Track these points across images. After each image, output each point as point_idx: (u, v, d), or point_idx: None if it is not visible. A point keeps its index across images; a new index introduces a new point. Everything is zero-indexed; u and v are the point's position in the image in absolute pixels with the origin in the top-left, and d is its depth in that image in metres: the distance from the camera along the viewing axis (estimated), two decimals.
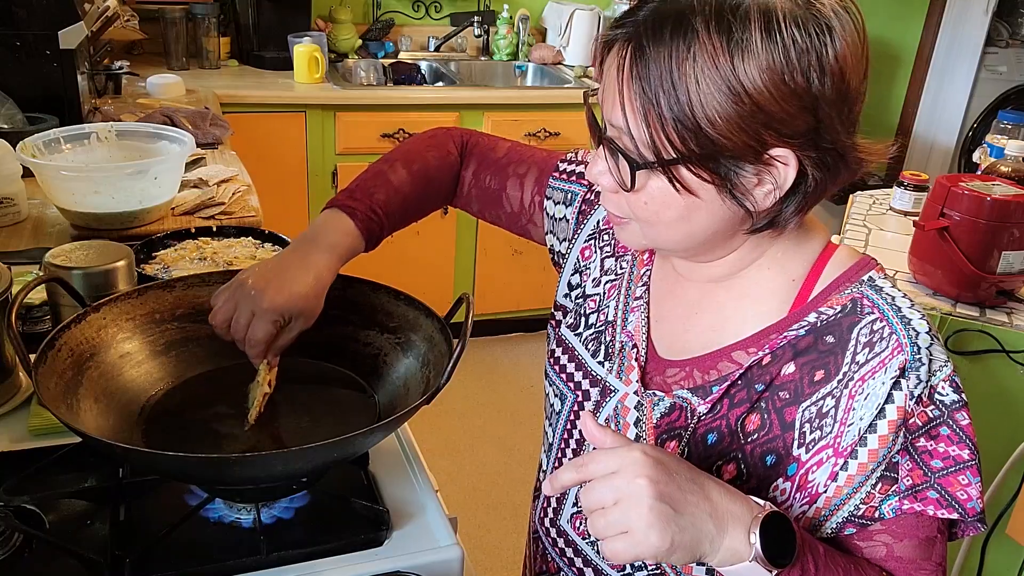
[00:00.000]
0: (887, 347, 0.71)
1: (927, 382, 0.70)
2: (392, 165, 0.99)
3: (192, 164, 1.80)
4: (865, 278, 0.76)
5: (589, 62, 3.31)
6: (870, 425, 0.70)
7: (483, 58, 3.44)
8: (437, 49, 3.39)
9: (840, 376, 0.72)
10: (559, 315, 0.96)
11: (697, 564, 0.68)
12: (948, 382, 0.71)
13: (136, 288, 1.00)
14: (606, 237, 0.93)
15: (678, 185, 0.70)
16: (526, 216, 1.01)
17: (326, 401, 0.99)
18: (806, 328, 0.74)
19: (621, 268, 0.90)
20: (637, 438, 0.82)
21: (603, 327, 0.89)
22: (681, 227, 0.74)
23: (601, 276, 0.92)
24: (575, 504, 0.91)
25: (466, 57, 3.43)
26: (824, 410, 0.72)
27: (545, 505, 0.95)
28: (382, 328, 1.02)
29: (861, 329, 0.72)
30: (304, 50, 2.82)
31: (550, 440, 0.95)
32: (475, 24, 3.36)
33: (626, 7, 3.02)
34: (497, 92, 3.09)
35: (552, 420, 0.95)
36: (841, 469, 0.71)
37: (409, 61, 3.27)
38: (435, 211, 1.06)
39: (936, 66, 4.08)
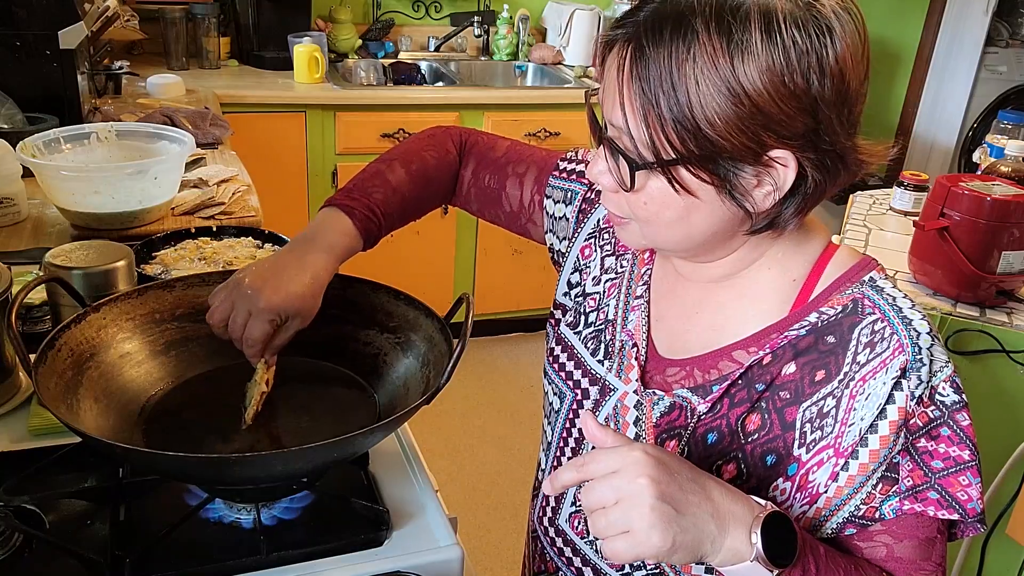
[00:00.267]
0: (888, 347, 0.71)
1: (928, 383, 0.70)
2: (390, 164, 0.99)
3: (192, 164, 1.80)
4: (866, 278, 0.76)
5: (589, 62, 3.31)
6: (871, 425, 0.70)
7: (483, 58, 3.44)
8: (437, 49, 3.39)
9: (841, 376, 0.72)
10: (558, 314, 0.96)
11: (697, 564, 0.68)
12: (949, 383, 0.71)
13: (136, 288, 1.00)
14: (606, 236, 0.93)
15: (677, 186, 0.70)
16: (526, 215, 1.01)
17: (326, 401, 0.99)
18: (807, 328, 0.74)
19: (621, 267, 0.90)
20: (637, 437, 0.82)
21: (603, 326, 0.89)
22: (680, 227, 0.74)
23: (601, 275, 0.92)
24: (574, 503, 0.91)
25: (466, 57, 3.43)
26: (825, 410, 0.73)
27: (544, 504, 0.95)
28: (382, 328, 1.02)
29: (862, 329, 0.72)
30: (304, 50, 2.82)
31: (549, 439, 0.95)
32: (475, 24, 3.36)
33: (626, 7, 3.02)
34: (497, 92, 3.09)
35: (551, 419, 0.95)
36: (842, 469, 0.71)
37: (409, 61, 3.27)
38: (434, 210, 1.06)
39: (936, 66, 4.08)
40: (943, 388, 0.71)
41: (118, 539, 0.83)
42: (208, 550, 0.83)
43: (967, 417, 0.71)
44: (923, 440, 0.71)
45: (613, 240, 0.92)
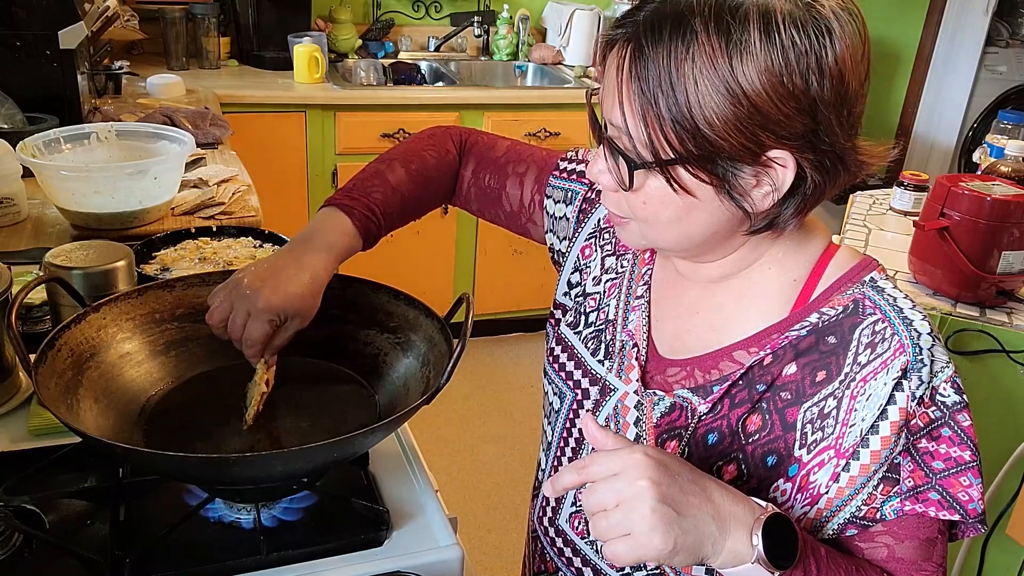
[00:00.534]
0: (889, 348, 0.70)
1: (929, 383, 0.70)
2: (390, 164, 0.99)
3: (192, 164, 1.80)
4: (867, 279, 0.75)
5: (589, 62, 3.31)
6: (872, 426, 0.70)
7: (483, 58, 3.44)
8: (437, 49, 3.39)
9: (842, 377, 0.72)
10: (559, 313, 0.96)
11: (698, 565, 0.68)
12: (950, 383, 0.71)
13: (136, 288, 1.00)
14: (607, 236, 0.93)
15: (676, 185, 0.70)
16: (526, 215, 1.01)
17: (326, 401, 0.99)
18: (808, 328, 0.74)
19: (622, 267, 0.90)
20: (637, 438, 0.82)
21: (603, 326, 0.89)
22: (679, 227, 0.74)
23: (602, 275, 0.92)
24: (574, 504, 0.90)
25: (466, 57, 3.43)
26: (826, 411, 0.72)
27: (544, 505, 0.95)
28: (382, 328, 1.02)
29: (863, 330, 0.72)
30: (304, 50, 2.82)
31: (549, 439, 0.95)
32: (475, 24, 3.36)
33: (626, 7, 3.02)
34: (497, 92, 3.09)
35: (551, 419, 0.95)
36: (843, 470, 0.71)
37: (409, 61, 3.27)
38: (434, 210, 1.06)
39: (936, 66, 4.08)
40: (944, 389, 0.71)
41: (118, 539, 0.83)
42: (208, 550, 0.83)
43: (968, 418, 0.71)
44: (924, 441, 0.71)
45: (613, 240, 0.92)
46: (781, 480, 0.74)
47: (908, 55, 4.14)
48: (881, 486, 0.71)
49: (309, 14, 3.11)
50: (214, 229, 1.43)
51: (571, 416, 0.91)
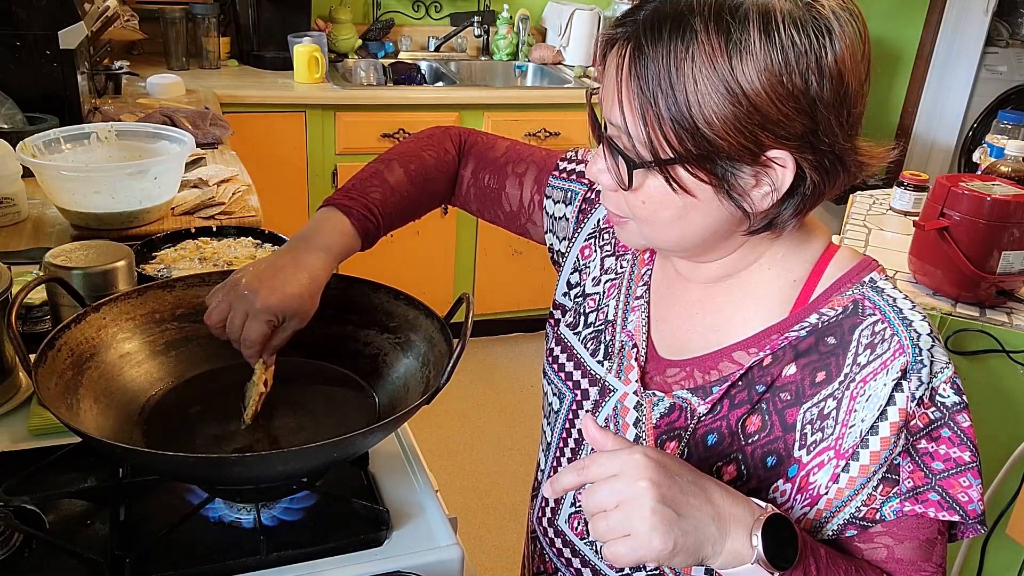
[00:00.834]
0: (888, 349, 0.70)
1: (928, 384, 0.70)
2: (389, 164, 0.99)
3: (192, 164, 1.80)
4: (866, 279, 0.75)
5: (589, 62, 3.31)
6: (872, 427, 0.70)
7: (483, 58, 3.44)
8: (437, 49, 3.39)
9: (841, 377, 0.72)
10: (558, 314, 0.96)
11: (698, 566, 0.68)
12: (949, 384, 0.71)
13: (136, 288, 1.00)
14: (607, 236, 0.93)
15: (675, 185, 0.70)
16: (525, 215, 1.01)
17: (326, 401, 0.99)
18: (807, 329, 0.74)
19: (621, 267, 0.90)
20: (636, 438, 0.82)
21: (603, 326, 0.89)
22: (678, 227, 0.74)
23: (601, 275, 0.92)
24: (573, 504, 0.90)
25: (466, 57, 3.43)
26: (825, 411, 0.72)
27: (543, 505, 0.95)
28: (382, 328, 1.02)
29: (863, 330, 0.72)
30: (304, 50, 2.82)
31: (548, 439, 0.95)
32: (475, 24, 3.36)
33: (626, 7, 3.02)
34: (497, 92, 3.09)
35: (551, 419, 0.95)
36: (842, 471, 0.71)
37: (409, 61, 3.26)
38: (433, 210, 1.06)
39: (936, 66, 4.08)
40: (944, 389, 0.71)
41: (118, 539, 0.83)
42: (208, 550, 0.83)
43: (968, 418, 0.71)
44: (924, 441, 0.71)
45: (613, 240, 0.92)
46: (781, 481, 0.74)
47: (908, 55, 4.14)
48: (881, 487, 0.71)
49: (309, 14, 3.11)
50: (214, 229, 1.43)
51: (570, 417, 0.91)
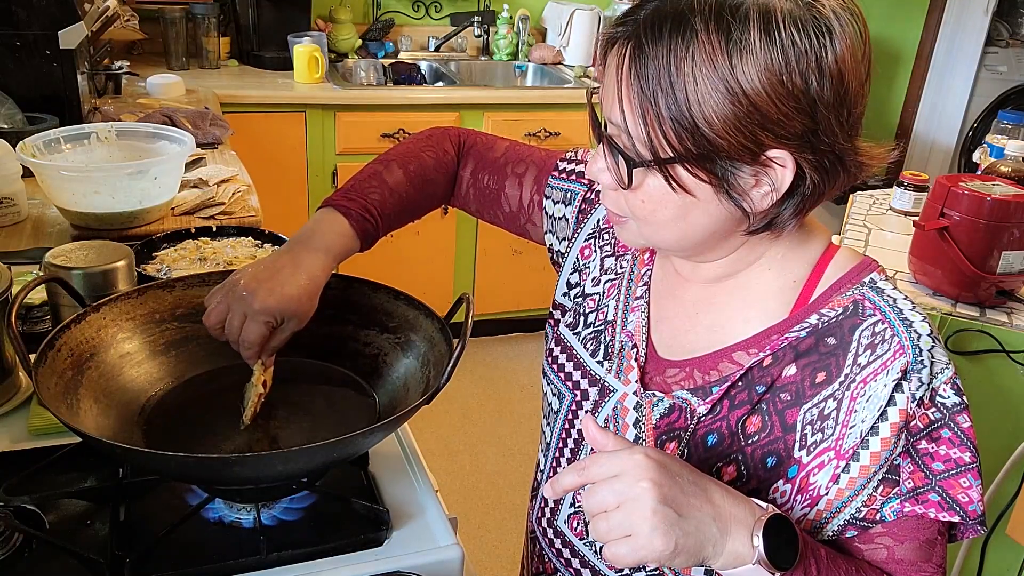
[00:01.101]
0: (889, 349, 0.70)
1: (929, 384, 0.70)
2: (388, 165, 0.99)
3: (192, 164, 1.80)
4: (866, 280, 0.75)
5: (589, 62, 3.31)
6: (872, 427, 0.70)
7: (483, 58, 3.44)
8: (437, 49, 3.39)
9: (842, 378, 0.72)
10: (558, 314, 0.96)
11: (698, 566, 0.68)
12: (950, 384, 0.71)
13: (136, 288, 1.00)
14: (606, 236, 0.93)
15: (675, 184, 0.70)
16: (525, 216, 1.01)
17: (326, 401, 0.99)
18: (807, 330, 0.74)
19: (621, 267, 0.90)
20: (636, 439, 0.82)
21: (602, 326, 0.89)
22: (677, 226, 0.73)
23: (601, 275, 0.92)
24: (572, 505, 0.90)
25: (466, 57, 3.43)
26: (826, 412, 0.72)
27: (543, 505, 0.95)
28: (382, 328, 1.02)
29: (863, 331, 0.72)
30: (304, 50, 2.82)
31: (548, 440, 0.95)
32: (475, 24, 3.36)
33: (627, 6, 3.02)
34: (497, 92, 3.09)
35: (550, 420, 0.95)
36: (843, 471, 0.71)
37: (409, 61, 3.26)
38: (432, 211, 1.06)
39: (936, 66, 4.08)
40: (944, 390, 0.71)
41: (118, 539, 0.83)
42: (208, 550, 0.83)
43: (968, 419, 0.71)
44: (924, 442, 0.71)
45: (613, 241, 0.92)
46: (781, 481, 0.74)
47: (908, 55, 4.14)
48: (881, 487, 0.71)
49: (309, 14, 3.11)
50: (214, 229, 1.43)
51: (570, 417, 0.91)
